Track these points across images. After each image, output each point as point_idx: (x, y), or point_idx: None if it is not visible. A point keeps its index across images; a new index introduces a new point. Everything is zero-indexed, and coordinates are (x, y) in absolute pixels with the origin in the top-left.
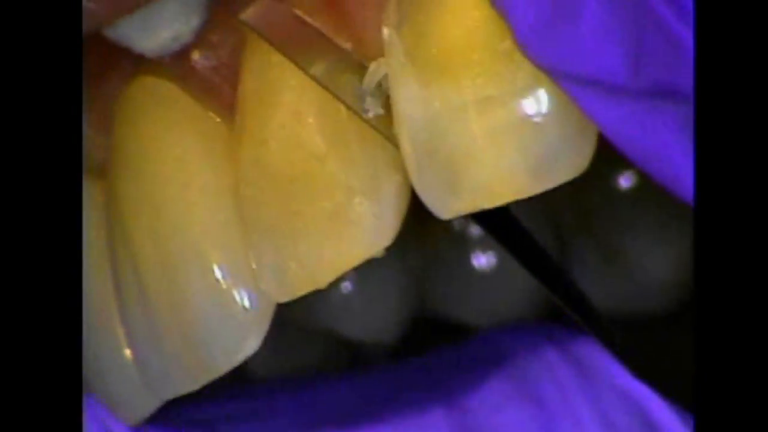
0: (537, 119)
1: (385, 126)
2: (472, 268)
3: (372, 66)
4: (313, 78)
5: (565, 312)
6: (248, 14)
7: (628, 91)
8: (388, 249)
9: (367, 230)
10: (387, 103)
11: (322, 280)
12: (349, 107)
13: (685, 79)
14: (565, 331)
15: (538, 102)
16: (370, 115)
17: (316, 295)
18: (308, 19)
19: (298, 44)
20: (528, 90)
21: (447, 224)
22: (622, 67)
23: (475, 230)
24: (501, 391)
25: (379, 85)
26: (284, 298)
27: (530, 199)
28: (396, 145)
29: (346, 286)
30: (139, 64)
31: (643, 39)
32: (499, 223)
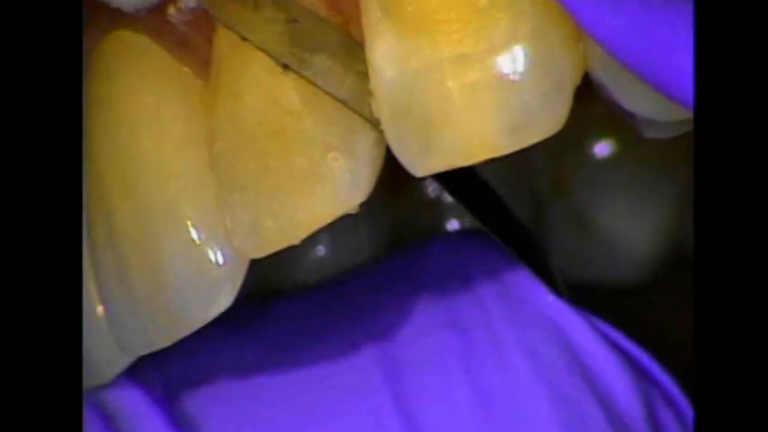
0: (513, 77)
1: (356, 87)
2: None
3: None
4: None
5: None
6: None
7: None
8: (362, 206)
9: (342, 186)
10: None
11: (296, 237)
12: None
13: None
14: (494, 253)
15: (514, 60)
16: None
17: (291, 256)
18: None
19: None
20: (504, 48)
21: (421, 191)
22: None
23: (449, 197)
24: (425, 317)
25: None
26: (258, 255)
27: (506, 165)
28: (361, 114)
29: (320, 248)
30: (115, 19)
31: None
32: (469, 189)
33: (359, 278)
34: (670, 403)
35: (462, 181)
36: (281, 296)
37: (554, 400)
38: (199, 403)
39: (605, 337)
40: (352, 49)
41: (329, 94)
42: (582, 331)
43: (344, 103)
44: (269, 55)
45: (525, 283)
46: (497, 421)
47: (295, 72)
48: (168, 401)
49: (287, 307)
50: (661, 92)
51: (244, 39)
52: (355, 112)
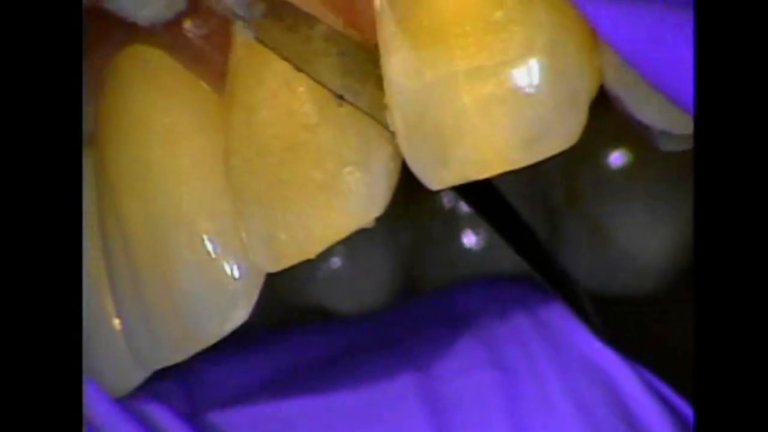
0: (528, 90)
1: (370, 97)
2: (461, 246)
3: None
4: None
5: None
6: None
7: None
8: (379, 220)
9: (358, 200)
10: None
11: (312, 250)
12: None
13: None
14: (535, 294)
15: (529, 73)
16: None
17: (306, 270)
18: None
19: (285, 24)
20: (520, 61)
21: (437, 202)
22: None
23: (464, 208)
24: (466, 354)
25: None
26: (273, 268)
27: (521, 176)
28: (383, 124)
29: (336, 261)
30: (130, 33)
31: None
32: (485, 199)
33: (394, 313)
34: None
35: (478, 191)
36: (312, 324)
37: None
38: (226, 422)
39: (650, 386)
40: None
41: (382, 124)
42: (627, 377)
43: (375, 119)
44: (324, 86)
45: (568, 325)
46: None
47: (350, 104)
48: (195, 419)
49: (319, 335)
50: (673, 102)
51: (300, 70)
52: (386, 127)
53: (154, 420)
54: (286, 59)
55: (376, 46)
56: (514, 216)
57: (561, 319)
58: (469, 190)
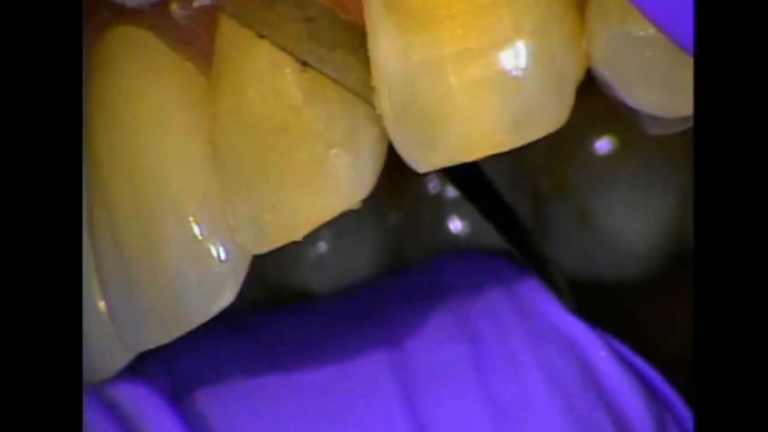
0: (515, 73)
1: (362, 81)
2: (447, 231)
3: None
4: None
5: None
6: None
7: None
8: (365, 202)
9: (344, 182)
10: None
11: (298, 232)
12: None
13: None
14: (512, 269)
15: (517, 55)
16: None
17: (292, 253)
18: None
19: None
20: (507, 44)
21: (423, 187)
22: None
23: (451, 192)
24: (439, 327)
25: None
26: (260, 250)
27: (507, 161)
28: (371, 104)
29: (322, 245)
30: (116, 14)
31: None
32: (471, 182)
33: (371, 289)
34: (681, 425)
35: (464, 174)
36: (290, 304)
37: (567, 415)
38: (208, 402)
39: (620, 356)
40: (364, 42)
41: (349, 89)
42: (597, 348)
43: (363, 98)
44: (287, 52)
45: (541, 299)
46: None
47: (315, 69)
48: (177, 400)
49: (297, 314)
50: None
51: (262, 36)
52: (373, 107)
53: (133, 401)
54: (247, 26)
55: (363, 27)
56: (499, 199)
57: (535, 293)
58: (455, 173)
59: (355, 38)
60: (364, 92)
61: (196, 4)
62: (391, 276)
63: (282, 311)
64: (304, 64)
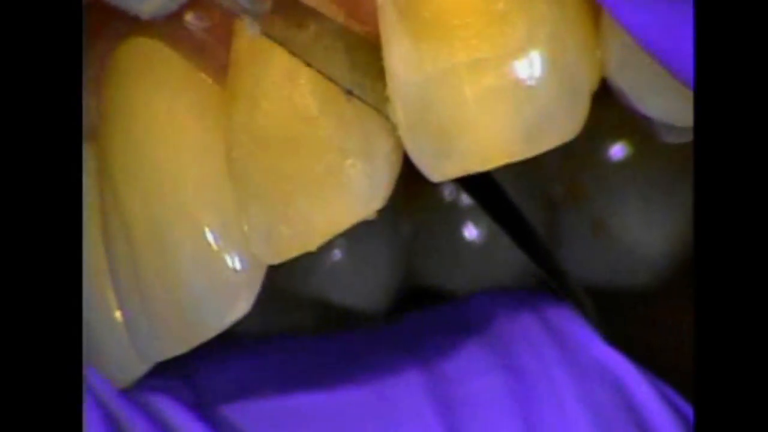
0: (530, 82)
1: (377, 92)
2: (461, 240)
3: None
4: (300, 54)
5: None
6: None
7: None
8: (380, 212)
9: (359, 193)
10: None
11: (313, 243)
12: (333, 80)
13: None
14: (546, 301)
15: (531, 65)
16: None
17: (307, 262)
18: None
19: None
20: (521, 52)
21: (438, 195)
22: None
23: (465, 201)
24: (478, 358)
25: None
26: (275, 261)
27: (521, 170)
28: (385, 115)
29: (336, 254)
30: (131, 25)
31: None
32: (485, 191)
33: (409, 321)
34: None
35: (478, 184)
36: (324, 333)
37: None
38: (233, 418)
39: (660, 391)
40: None
41: (389, 119)
42: (638, 382)
43: (393, 124)
44: (333, 81)
45: (579, 331)
46: None
47: (359, 98)
48: (201, 409)
49: (331, 338)
50: (687, 85)
51: (308, 65)
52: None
53: (161, 412)
54: (294, 55)
55: (377, 38)
56: (513, 209)
57: (571, 324)
58: (469, 183)
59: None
60: (381, 105)
61: (212, 15)
62: (428, 309)
63: (320, 336)
64: (349, 93)
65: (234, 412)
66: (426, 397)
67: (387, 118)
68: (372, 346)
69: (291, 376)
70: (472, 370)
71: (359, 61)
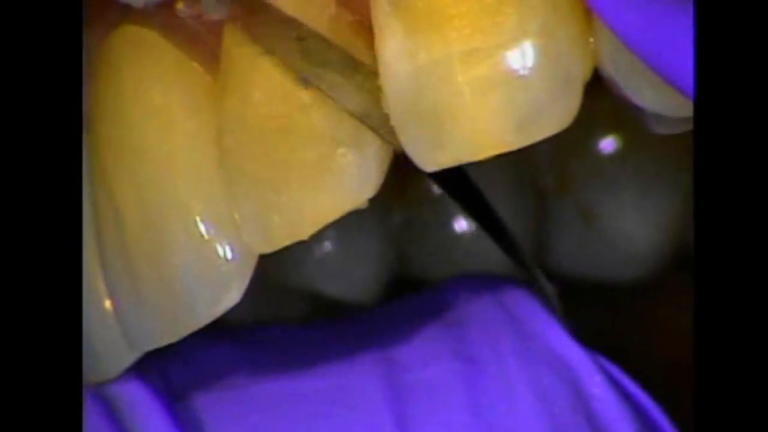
0: (522, 72)
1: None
2: (452, 231)
3: None
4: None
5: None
6: None
7: None
8: (371, 202)
9: (350, 181)
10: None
11: (305, 232)
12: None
13: None
14: (511, 289)
15: (523, 55)
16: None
17: (298, 252)
18: None
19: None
20: (514, 43)
21: (428, 187)
22: None
23: None
24: (435, 346)
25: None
26: (266, 250)
27: (511, 161)
28: (366, 124)
29: (327, 244)
30: (122, 13)
31: None
32: (461, 189)
33: (380, 309)
34: None
35: (453, 180)
36: (290, 323)
37: None
38: (201, 406)
39: (613, 380)
40: (355, 67)
41: (341, 106)
42: (592, 373)
43: (354, 115)
44: (290, 68)
45: (541, 322)
46: None
47: (315, 86)
48: (172, 402)
49: (295, 329)
50: (672, 85)
51: (270, 53)
52: (363, 123)
53: (129, 403)
54: (256, 41)
55: (369, 28)
56: (485, 205)
57: (537, 315)
58: (445, 179)
59: (345, 60)
60: (364, 110)
61: (205, 18)
62: (402, 298)
63: (288, 324)
64: (305, 80)
65: (198, 404)
66: (381, 385)
67: (344, 109)
68: (342, 335)
69: (261, 365)
70: (428, 358)
71: (310, 50)
